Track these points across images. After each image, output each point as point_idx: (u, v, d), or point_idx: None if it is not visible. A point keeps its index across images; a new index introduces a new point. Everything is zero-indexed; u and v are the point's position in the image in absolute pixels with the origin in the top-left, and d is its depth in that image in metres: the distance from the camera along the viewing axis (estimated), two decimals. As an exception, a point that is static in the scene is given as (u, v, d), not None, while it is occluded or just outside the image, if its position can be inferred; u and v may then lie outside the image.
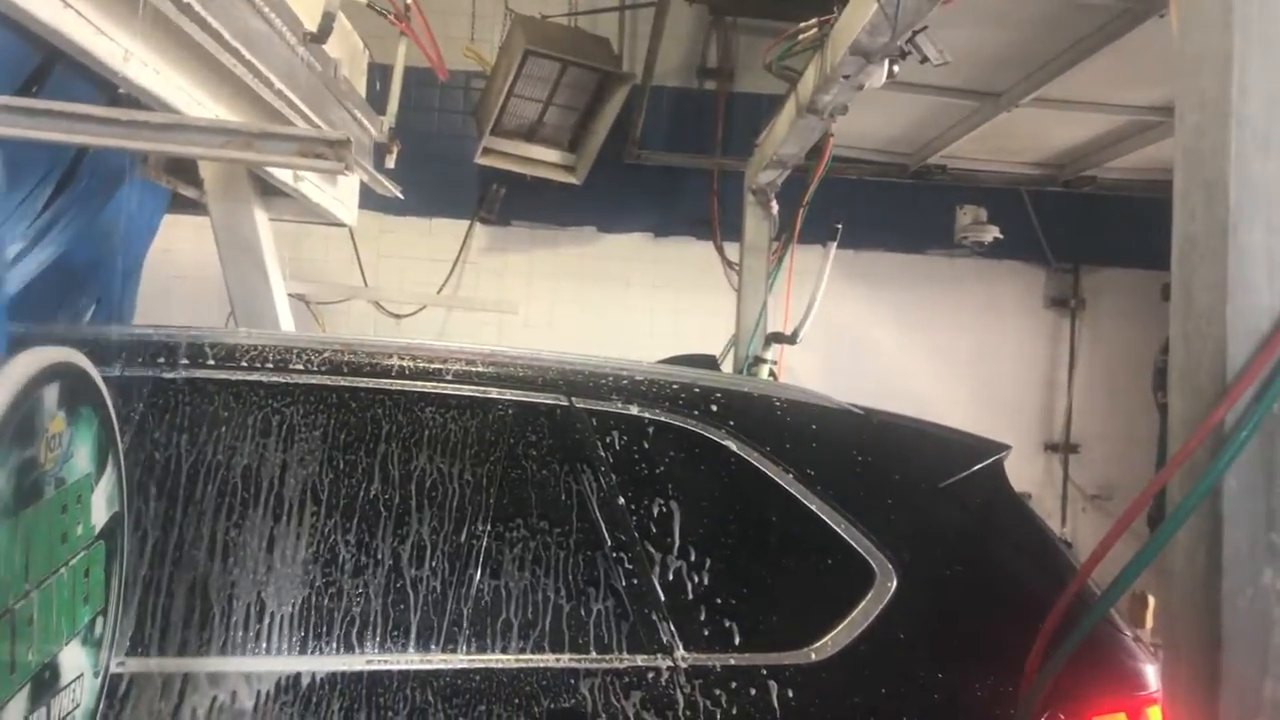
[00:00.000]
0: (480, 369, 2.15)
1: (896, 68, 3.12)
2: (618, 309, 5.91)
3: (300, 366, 2.06)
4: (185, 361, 2.02)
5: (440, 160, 5.48)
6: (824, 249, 4.15)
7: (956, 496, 2.25)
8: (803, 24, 3.49)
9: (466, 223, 5.84)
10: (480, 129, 5.33)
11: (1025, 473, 6.06)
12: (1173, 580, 1.37)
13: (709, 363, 3.07)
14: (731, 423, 2.17)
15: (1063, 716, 2.04)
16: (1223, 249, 1.31)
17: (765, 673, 1.95)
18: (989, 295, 6.05)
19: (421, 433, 2.05)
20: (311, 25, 3.08)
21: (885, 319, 5.98)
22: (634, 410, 2.14)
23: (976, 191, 5.65)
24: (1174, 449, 1.36)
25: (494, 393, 2.12)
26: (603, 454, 2.09)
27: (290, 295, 3.93)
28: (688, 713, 1.90)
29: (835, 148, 3.99)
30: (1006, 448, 2.49)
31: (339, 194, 4.22)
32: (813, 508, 2.12)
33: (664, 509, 2.06)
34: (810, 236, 4.29)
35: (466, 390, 2.11)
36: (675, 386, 2.21)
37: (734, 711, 1.92)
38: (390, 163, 4.11)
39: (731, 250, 5.51)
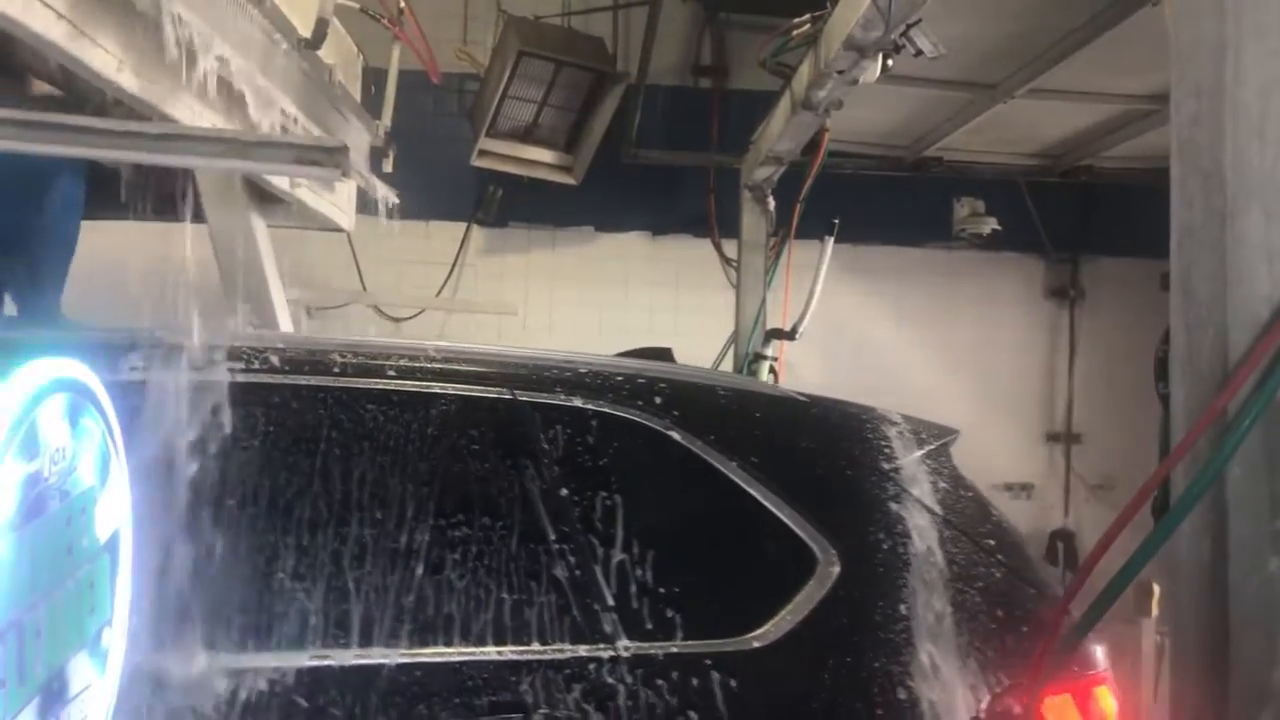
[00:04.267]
0: (422, 364, 2.13)
1: (891, 62, 3.12)
2: (617, 308, 5.90)
3: (239, 365, 2.01)
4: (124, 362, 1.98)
5: (436, 163, 5.47)
6: (822, 244, 4.16)
7: (901, 481, 2.25)
8: (796, 20, 3.50)
9: (464, 225, 5.84)
10: (476, 131, 5.33)
11: (1027, 463, 6.07)
12: (1178, 570, 1.37)
13: (664, 355, 3.07)
14: (675, 413, 2.16)
15: (1009, 700, 2.04)
16: (1221, 237, 1.31)
17: (708, 661, 1.95)
18: (988, 287, 6.05)
19: (363, 429, 2.02)
20: (305, 31, 3.08)
21: (884, 313, 5.98)
22: (577, 402, 2.13)
23: (974, 183, 5.64)
24: (1177, 438, 1.36)
25: (436, 388, 2.10)
26: (546, 447, 2.08)
27: (289, 301, 3.92)
28: (629, 703, 1.90)
29: (831, 142, 3.99)
30: (954, 432, 2.49)
31: (337, 199, 4.22)
32: (756, 495, 2.11)
33: (607, 500, 2.05)
34: (808, 232, 4.29)
35: (408, 386, 2.09)
36: (619, 378, 2.20)
37: (675, 700, 1.92)
38: (387, 167, 4.11)
39: (729, 247, 5.51)
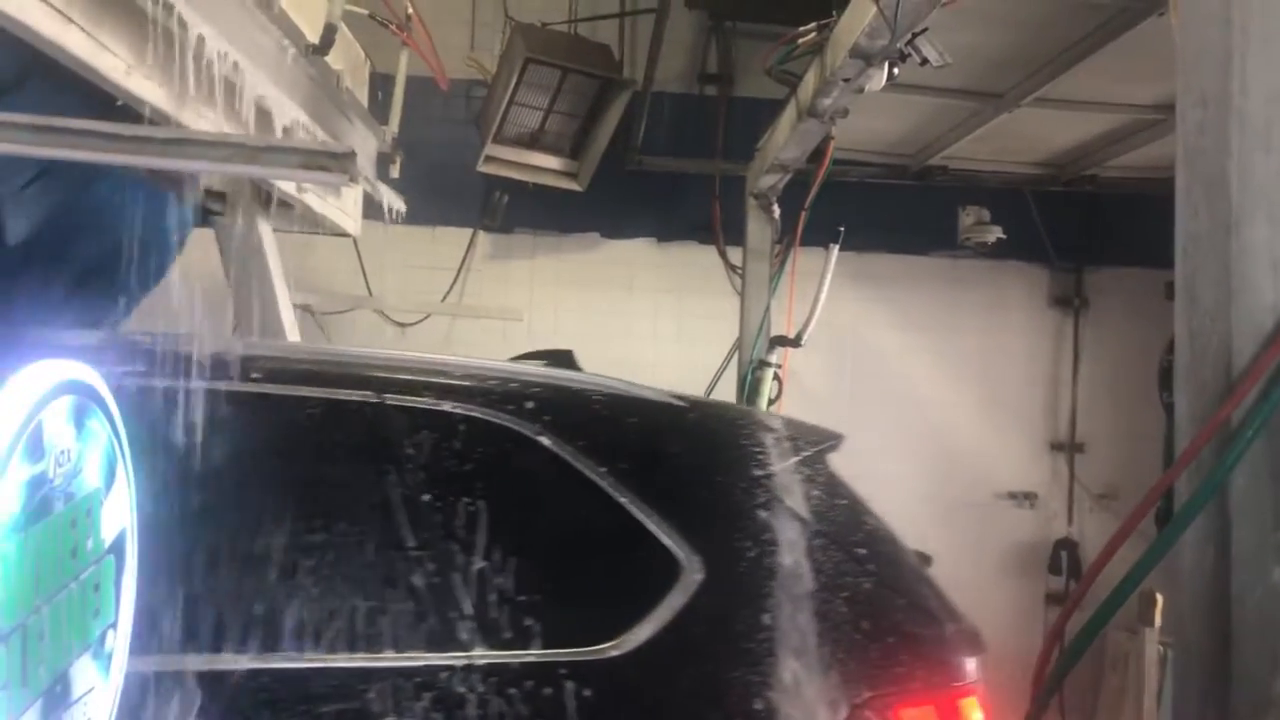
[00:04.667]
0: (288, 367, 2.11)
1: (896, 70, 3.12)
2: (622, 314, 5.91)
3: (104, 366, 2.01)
4: None
5: (443, 169, 5.48)
6: (827, 252, 4.16)
7: (773, 489, 2.23)
8: (802, 28, 3.50)
9: (470, 231, 5.85)
10: (482, 137, 5.33)
11: (1031, 472, 6.06)
12: (1181, 579, 1.37)
13: (566, 358, 3.05)
14: (546, 418, 2.14)
15: (868, 713, 2.03)
16: (1225, 246, 1.31)
17: (563, 670, 1.93)
18: (992, 296, 6.05)
19: (225, 432, 1.97)
20: (314, 37, 3.09)
21: (889, 321, 5.97)
22: (446, 407, 2.10)
23: (979, 192, 5.64)
24: (1181, 448, 1.36)
25: (303, 391, 2.07)
26: (410, 451, 2.05)
27: (296, 305, 3.93)
28: (478, 712, 1.88)
29: (836, 151, 3.99)
30: (835, 438, 2.47)
31: (343, 204, 4.23)
32: (624, 502, 2.09)
33: (471, 506, 2.02)
34: (813, 239, 4.29)
35: (272, 389, 2.06)
36: (491, 382, 2.19)
37: (526, 710, 1.90)
38: (394, 172, 4.12)
39: (734, 254, 5.51)
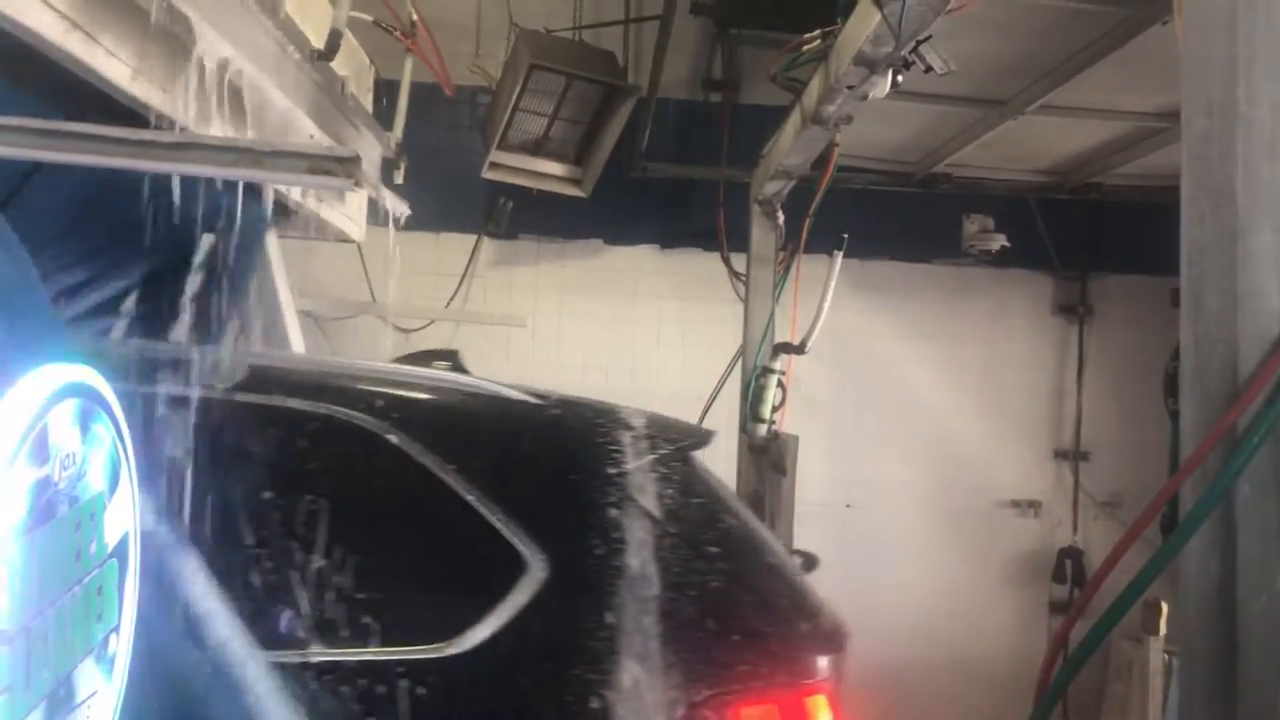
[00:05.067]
0: (141, 359, 2.09)
1: (900, 78, 3.12)
2: (625, 321, 5.91)
3: None
4: None
5: (447, 175, 5.49)
6: (830, 259, 4.16)
7: (626, 487, 2.22)
8: (807, 35, 3.50)
9: (474, 237, 5.85)
10: (487, 143, 5.34)
11: (1035, 480, 6.05)
12: (1187, 587, 1.37)
13: (451, 358, 3.05)
14: (395, 416, 2.13)
15: (707, 712, 2.03)
16: (1231, 254, 1.31)
17: (400, 668, 1.93)
18: (996, 303, 6.05)
19: None
20: (319, 43, 3.10)
21: (893, 328, 5.97)
22: (294, 404, 2.10)
23: (983, 200, 5.64)
24: (1186, 455, 1.36)
25: (146, 386, 2.04)
26: (256, 449, 2.04)
27: (299, 312, 3.94)
28: (310, 710, 1.86)
29: (840, 158, 4.00)
30: (700, 436, 2.47)
31: (348, 210, 4.23)
32: (471, 500, 2.09)
33: (315, 504, 2.01)
34: (817, 246, 4.29)
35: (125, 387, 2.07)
36: (343, 380, 2.19)
37: (359, 708, 1.90)
38: (399, 178, 4.12)
39: (738, 261, 5.51)
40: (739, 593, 2.25)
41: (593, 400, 2.51)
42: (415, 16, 3.93)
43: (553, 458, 2.27)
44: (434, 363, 3.00)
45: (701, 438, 2.47)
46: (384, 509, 2.12)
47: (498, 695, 2.00)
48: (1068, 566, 5.90)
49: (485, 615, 2.01)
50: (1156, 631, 4.13)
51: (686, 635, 2.09)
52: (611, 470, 2.23)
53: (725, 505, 2.47)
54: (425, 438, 2.12)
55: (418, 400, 2.24)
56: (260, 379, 2.14)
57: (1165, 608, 4.09)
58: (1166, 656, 4.16)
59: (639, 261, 5.93)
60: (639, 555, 2.15)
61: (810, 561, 3.30)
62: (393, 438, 2.11)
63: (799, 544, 4.37)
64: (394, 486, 2.13)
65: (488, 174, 5.36)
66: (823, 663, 2.20)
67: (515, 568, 2.06)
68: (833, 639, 2.31)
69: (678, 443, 2.40)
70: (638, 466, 2.26)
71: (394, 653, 1.95)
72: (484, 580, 2.08)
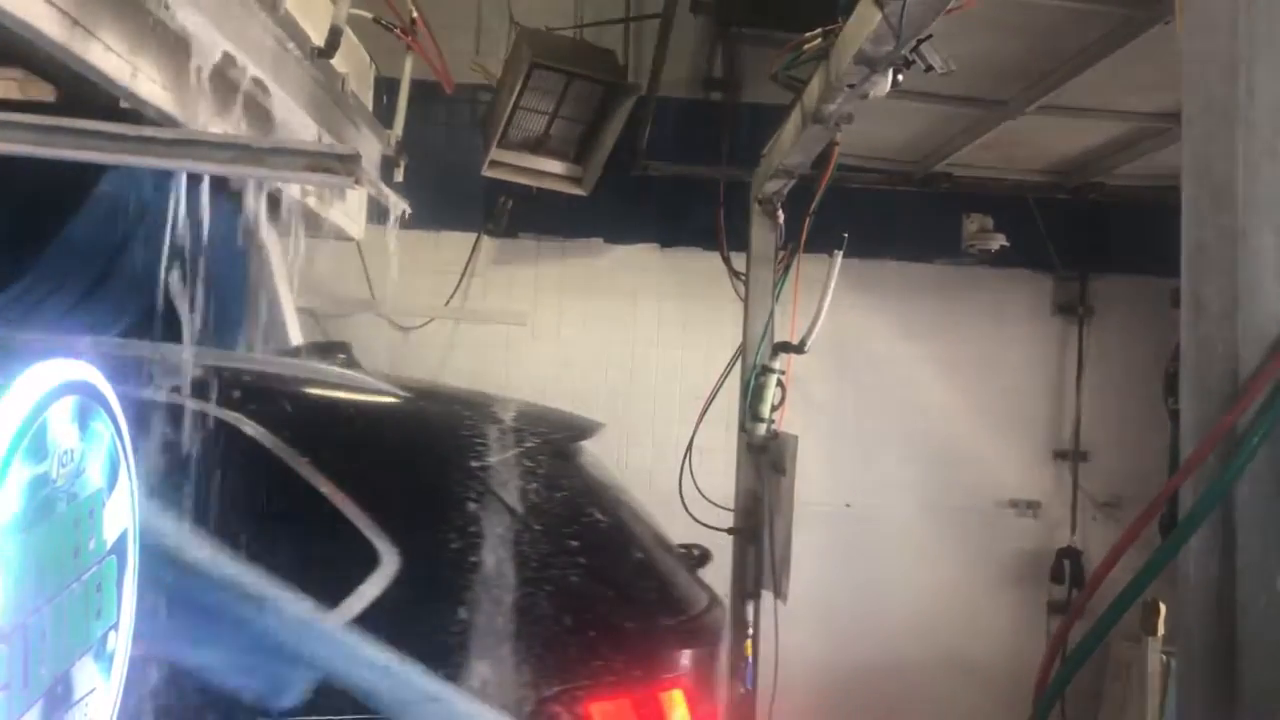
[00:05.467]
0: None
1: (901, 77, 3.12)
2: (625, 320, 5.91)
3: None
4: None
5: (447, 173, 5.49)
6: (830, 258, 4.15)
7: (486, 480, 2.21)
8: (807, 34, 3.50)
9: (474, 235, 5.85)
10: (487, 142, 5.34)
11: (1034, 481, 6.05)
12: (1186, 587, 1.37)
13: (342, 350, 3.04)
14: (251, 406, 2.13)
15: (556, 707, 2.02)
16: (1232, 254, 1.30)
17: None
18: (996, 303, 6.05)
19: None
20: (319, 40, 3.10)
21: (892, 328, 5.97)
22: (148, 394, 2.08)
23: (983, 199, 5.64)
24: (1185, 455, 1.36)
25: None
26: None
27: (299, 309, 3.94)
28: (149, 704, 1.84)
29: (841, 157, 3.99)
30: (576, 430, 2.45)
31: (347, 208, 4.23)
32: (324, 491, 2.08)
33: (170, 493, 1.97)
34: (817, 246, 4.29)
35: None
36: (199, 369, 2.16)
37: (199, 700, 1.89)
38: (399, 176, 4.12)
39: (738, 260, 5.50)
40: (597, 587, 2.25)
41: (464, 393, 2.49)
42: (415, 14, 3.93)
43: (407, 451, 2.26)
44: (337, 357, 2.99)
45: (577, 431, 2.46)
46: (235, 499, 2.07)
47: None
48: (1066, 567, 5.90)
49: (334, 608, 2.01)
50: (1155, 632, 4.13)
51: (540, 630, 2.10)
52: (471, 464, 2.21)
53: (596, 499, 2.46)
54: (280, 429, 2.12)
55: (274, 392, 2.23)
56: (119, 369, 2.13)
57: (1163, 608, 4.09)
58: (1165, 657, 4.16)
59: (639, 260, 5.93)
60: (493, 549, 2.15)
61: (702, 557, 3.29)
62: (247, 429, 2.11)
63: (798, 544, 4.36)
64: (247, 477, 2.10)
65: (488, 172, 5.36)
66: (683, 658, 2.19)
67: (368, 561, 2.06)
68: (695, 634, 2.32)
69: (546, 436, 2.38)
70: (500, 460, 2.25)
71: None
72: (336, 573, 2.07)
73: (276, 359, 2.64)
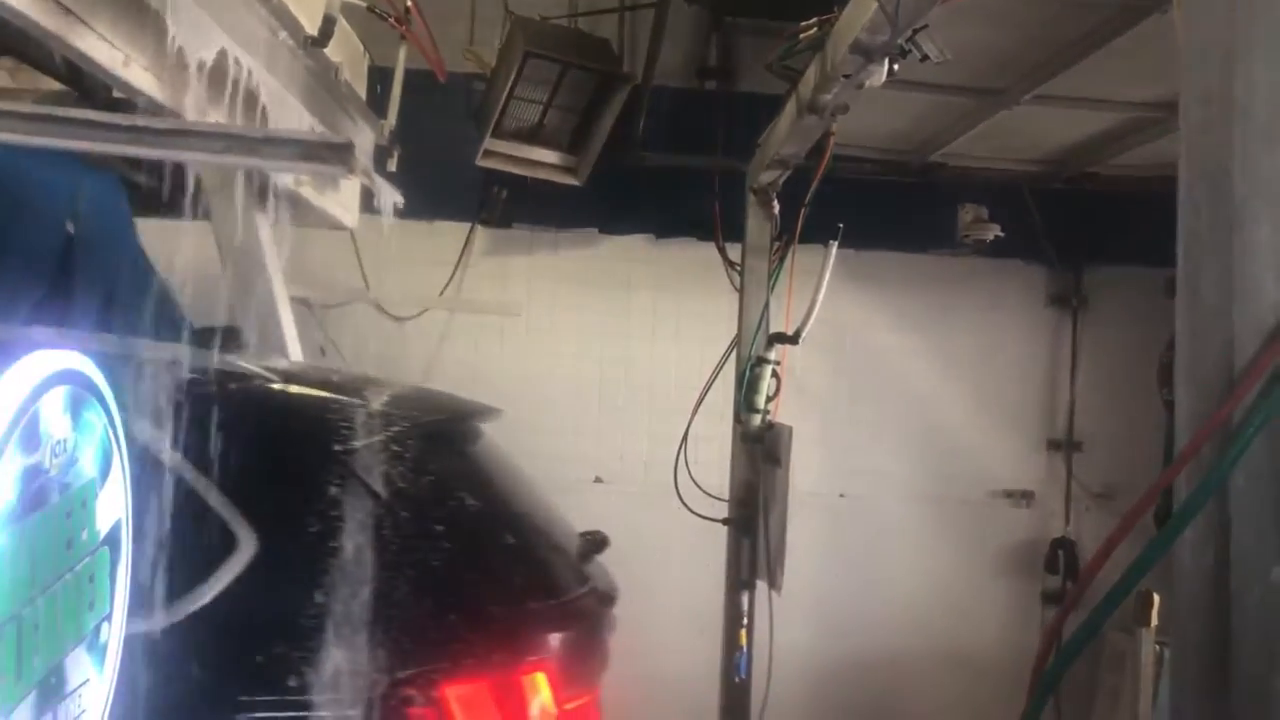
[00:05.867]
0: None
1: (897, 66, 3.11)
2: (620, 310, 5.90)
3: None
4: None
5: (441, 163, 5.47)
6: (826, 249, 4.15)
7: (349, 466, 2.20)
8: (803, 23, 3.49)
9: (468, 225, 5.84)
10: (481, 131, 5.32)
11: (1028, 471, 6.06)
12: (1181, 578, 1.37)
13: (231, 335, 3.03)
14: (115, 388, 2.11)
15: (411, 690, 2.03)
16: (1228, 244, 1.30)
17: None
18: (991, 294, 6.05)
19: None
20: (312, 29, 3.08)
21: (887, 318, 5.97)
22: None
23: (978, 190, 5.64)
24: (1181, 446, 1.36)
25: None
26: None
27: (292, 298, 3.92)
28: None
29: (836, 147, 3.98)
30: (458, 415, 2.44)
31: (341, 197, 4.22)
32: (186, 477, 2.08)
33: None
34: (812, 236, 4.28)
35: None
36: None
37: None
38: (392, 166, 4.11)
39: (733, 251, 5.49)
40: (460, 571, 2.25)
41: (340, 377, 2.47)
42: (409, 2, 3.91)
43: (265, 435, 2.25)
44: (223, 341, 2.97)
45: (454, 416, 2.45)
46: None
47: (196, 673, 2.00)
48: (1060, 557, 5.91)
49: (190, 592, 2.00)
50: (1148, 623, 4.13)
51: (398, 613, 2.09)
52: (333, 448, 2.20)
53: (470, 483, 2.45)
54: (139, 412, 2.08)
55: (134, 374, 2.22)
56: None
57: (1157, 599, 4.09)
58: (1158, 648, 4.16)
59: (633, 251, 5.92)
60: (352, 534, 2.14)
61: (598, 543, 3.29)
62: (107, 410, 2.10)
63: (793, 533, 4.37)
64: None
65: (482, 162, 5.34)
66: (550, 641, 2.20)
67: (227, 544, 2.06)
68: (564, 618, 2.32)
69: (416, 421, 2.37)
70: (365, 446, 2.24)
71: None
72: (194, 556, 2.06)
73: (147, 342, 2.61)
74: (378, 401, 2.40)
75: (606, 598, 2.92)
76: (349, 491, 2.18)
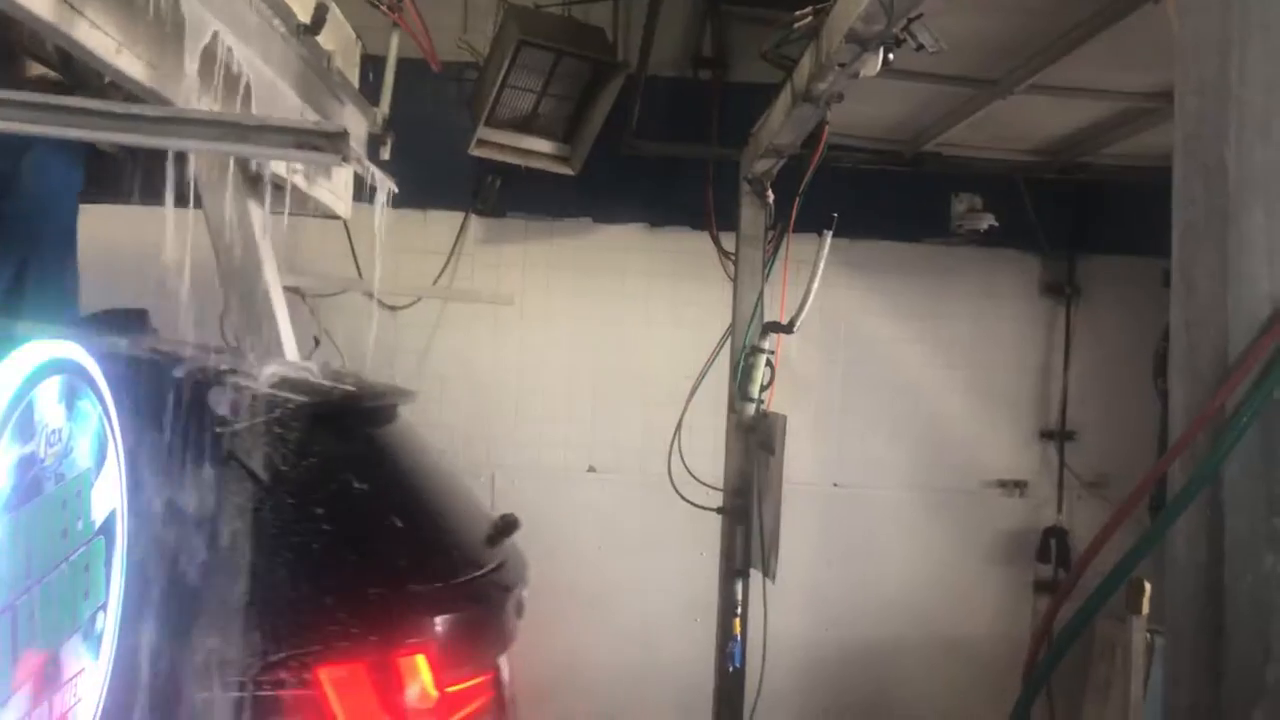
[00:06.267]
0: None
1: (892, 55, 3.11)
2: (614, 300, 5.90)
3: None
4: None
5: (435, 152, 5.46)
6: (820, 238, 4.15)
7: (223, 446, 2.19)
8: (798, 12, 3.49)
9: (462, 214, 5.83)
10: (474, 120, 5.31)
11: (1021, 460, 6.08)
12: (1174, 567, 1.37)
13: (139, 318, 3.02)
14: None
15: (283, 673, 2.02)
16: (1223, 235, 1.30)
17: None
18: (984, 283, 6.05)
19: None
20: (305, 16, 3.07)
21: (881, 307, 5.98)
22: None
23: (972, 179, 5.64)
24: (1175, 436, 1.36)
25: None
26: None
27: (285, 288, 3.91)
28: None
29: (831, 136, 3.98)
30: (353, 398, 2.42)
31: (334, 186, 4.21)
32: None
33: None
34: (806, 225, 4.29)
35: None
36: None
37: None
38: (385, 155, 4.10)
39: (728, 240, 5.50)
40: (341, 554, 2.25)
41: (224, 356, 2.44)
42: (403, -9, 3.90)
43: (145, 415, 2.24)
44: (131, 323, 2.95)
45: (347, 400, 2.42)
46: None
47: None
48: (1052, 546, 5.94)
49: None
50: (1140, 611, 4.16)
51: (273, 596, 2.08)
52: (212, 429, 2.19)
53: (361, 467, 2.45)
54: None
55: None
56: None
57: (1148, 588, 4.12)
58: (1149, 636, 4.19)
59: (628, 240, 5.92)
60: (230, 515, 2.13)
61: (507, 526, 3.29)
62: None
63: (786, 522, 4.38)
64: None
65: (475, 151, 5.33)
66: (430, 624, 2.20)
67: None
68: (448, 601, 2.33)
69: (299, 403, 2.36)
70: (243, 426, 2.23)
71: None
72: None
73: (34, 325, 2.59)
74: (264, 383, 2.37)
75: (508, 581, 2.93)
76: (224, 472, 2.16)
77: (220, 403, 2.04)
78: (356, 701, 2.20)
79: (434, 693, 2.31)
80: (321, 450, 2.38)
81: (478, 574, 2.68)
